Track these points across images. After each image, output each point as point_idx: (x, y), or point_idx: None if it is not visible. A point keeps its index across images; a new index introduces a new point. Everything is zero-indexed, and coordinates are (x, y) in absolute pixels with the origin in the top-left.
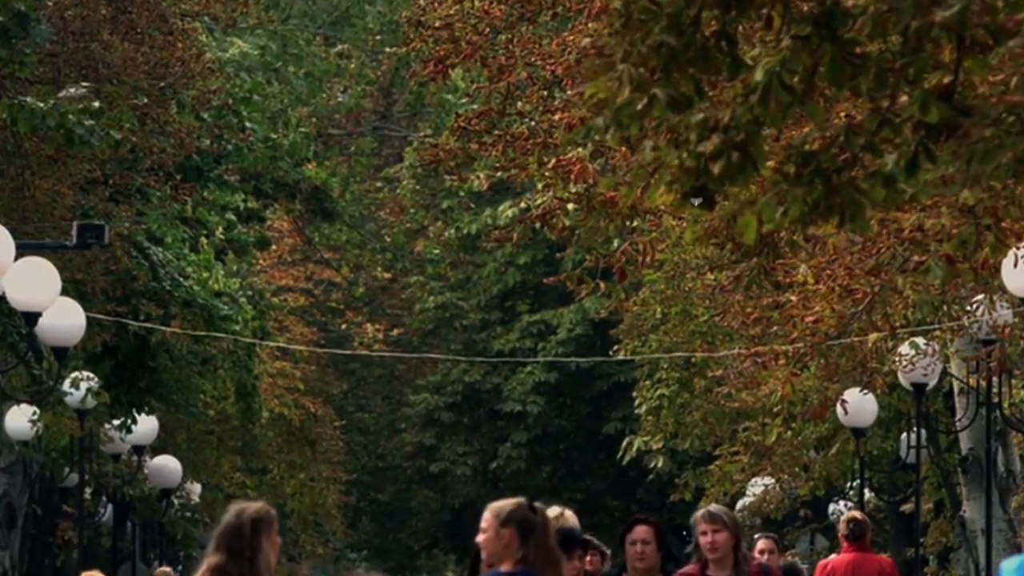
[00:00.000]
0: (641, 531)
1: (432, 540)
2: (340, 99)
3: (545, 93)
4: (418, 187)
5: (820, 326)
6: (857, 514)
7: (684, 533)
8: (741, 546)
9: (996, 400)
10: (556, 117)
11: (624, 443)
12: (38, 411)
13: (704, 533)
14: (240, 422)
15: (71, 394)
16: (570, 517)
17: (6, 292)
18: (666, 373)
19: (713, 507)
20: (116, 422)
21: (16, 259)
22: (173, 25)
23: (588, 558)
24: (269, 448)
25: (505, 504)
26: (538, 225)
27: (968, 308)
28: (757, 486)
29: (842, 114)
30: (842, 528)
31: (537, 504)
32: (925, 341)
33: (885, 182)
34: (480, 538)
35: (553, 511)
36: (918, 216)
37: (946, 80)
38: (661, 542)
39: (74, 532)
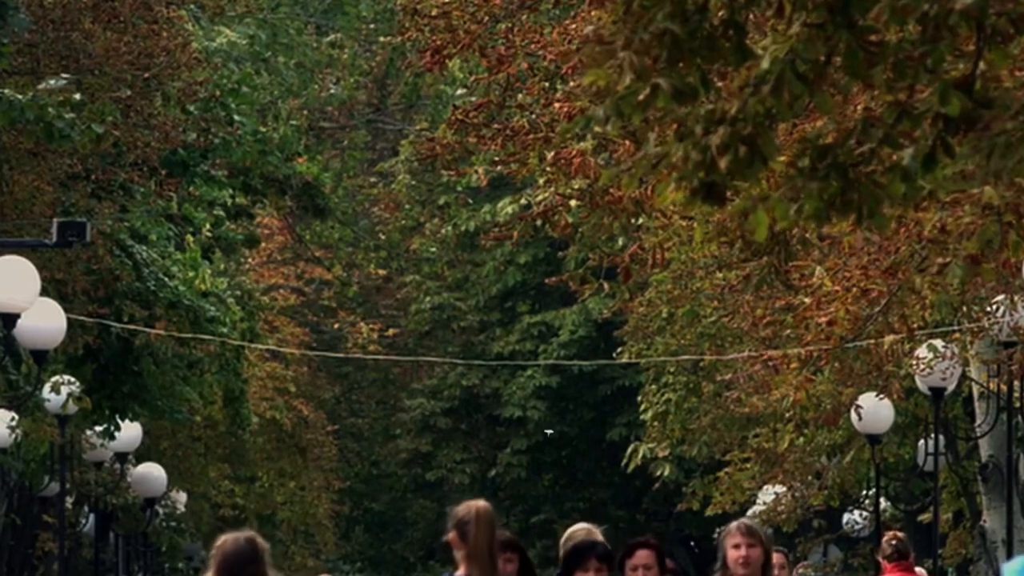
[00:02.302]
0: (643, 556)
1: (428, 551)
2: (332, 91)
3: (547, 85)
4: (414, 182)
5: (834, 328)
6: (899, 533)
7: (691, 543)
8: (770, 566)
9: (1017, 405)
10: (556, 106)
11: (629, 450)
12: (17, 417)
13: (737, 546)
14: (228, 428)
15: (51, 399)
16: (591, 531)
17: None
18: (673, 377)
19: (748, 520)
20: (98, 428)
21: None
22: (158, 13)
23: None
24: (258, 455)
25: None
26: (539, 222)
27: (988, 309)
28: (768, 495)
29: (859, 106)
30: (884, 548)
31: (480, 503)
32: (944, 344)
33: (903, 177)
34: None
35: (580, 527)
36: (940, 215)
37: (966, 71)
38: (663, 565)
39: (54, 543)
